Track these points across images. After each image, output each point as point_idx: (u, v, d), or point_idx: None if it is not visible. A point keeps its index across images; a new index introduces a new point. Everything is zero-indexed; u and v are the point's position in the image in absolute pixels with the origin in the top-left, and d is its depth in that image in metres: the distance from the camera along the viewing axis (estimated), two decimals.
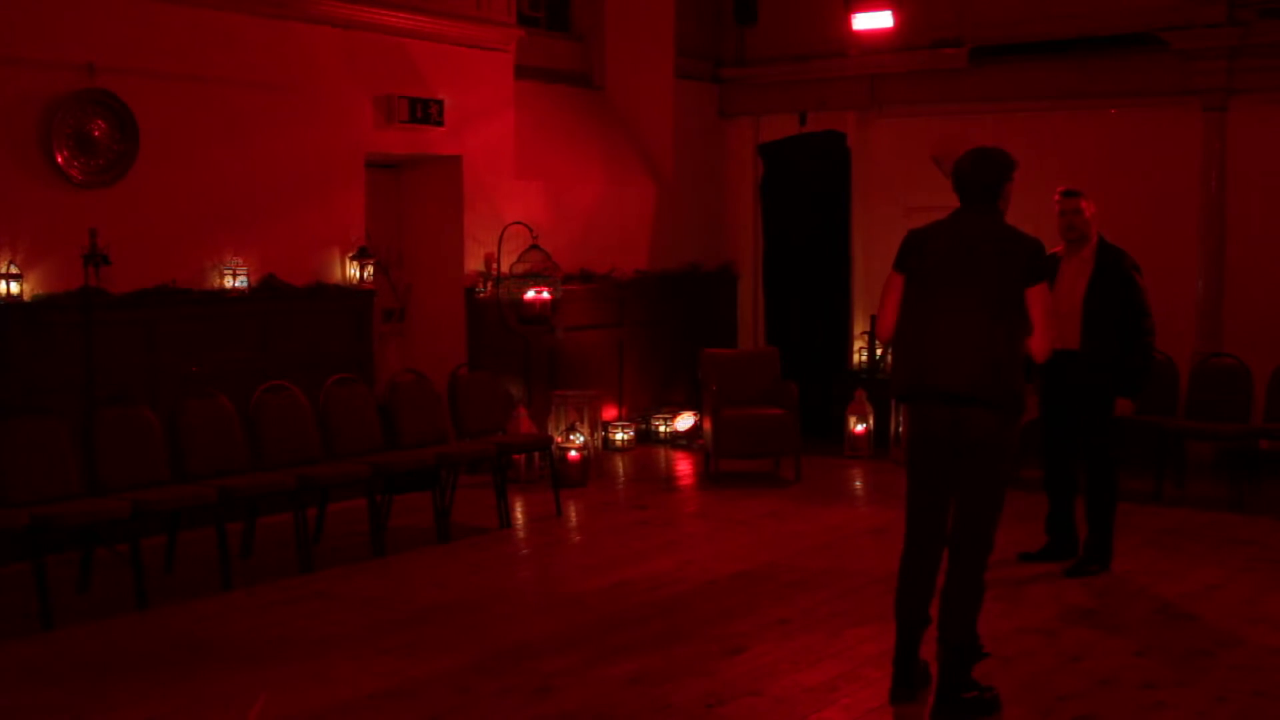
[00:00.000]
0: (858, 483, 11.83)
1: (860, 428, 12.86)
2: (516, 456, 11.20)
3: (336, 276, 10.80)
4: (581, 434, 11.64)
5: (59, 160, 9.02)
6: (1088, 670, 6.65)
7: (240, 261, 10.05)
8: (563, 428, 11.73)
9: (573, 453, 11.42)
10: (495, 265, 11.89)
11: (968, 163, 6.30)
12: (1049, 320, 6.04)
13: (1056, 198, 8.51)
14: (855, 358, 13.95)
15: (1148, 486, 10.70)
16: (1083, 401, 8.38)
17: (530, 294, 11.86)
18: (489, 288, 11.87)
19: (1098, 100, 12.52)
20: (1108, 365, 8.30)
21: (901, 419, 6.54)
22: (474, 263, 11.87)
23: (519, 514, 10.39)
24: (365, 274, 10.92)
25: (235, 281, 10.01)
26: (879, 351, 13.54)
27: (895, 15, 13.01)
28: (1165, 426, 10.92)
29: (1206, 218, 12.09)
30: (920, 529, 6.16)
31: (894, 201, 13.79)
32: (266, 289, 10.23)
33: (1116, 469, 8.53)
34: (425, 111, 11.21)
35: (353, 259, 10.86)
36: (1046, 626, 7.33)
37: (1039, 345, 6.06)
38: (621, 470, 12.24)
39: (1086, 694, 6.31)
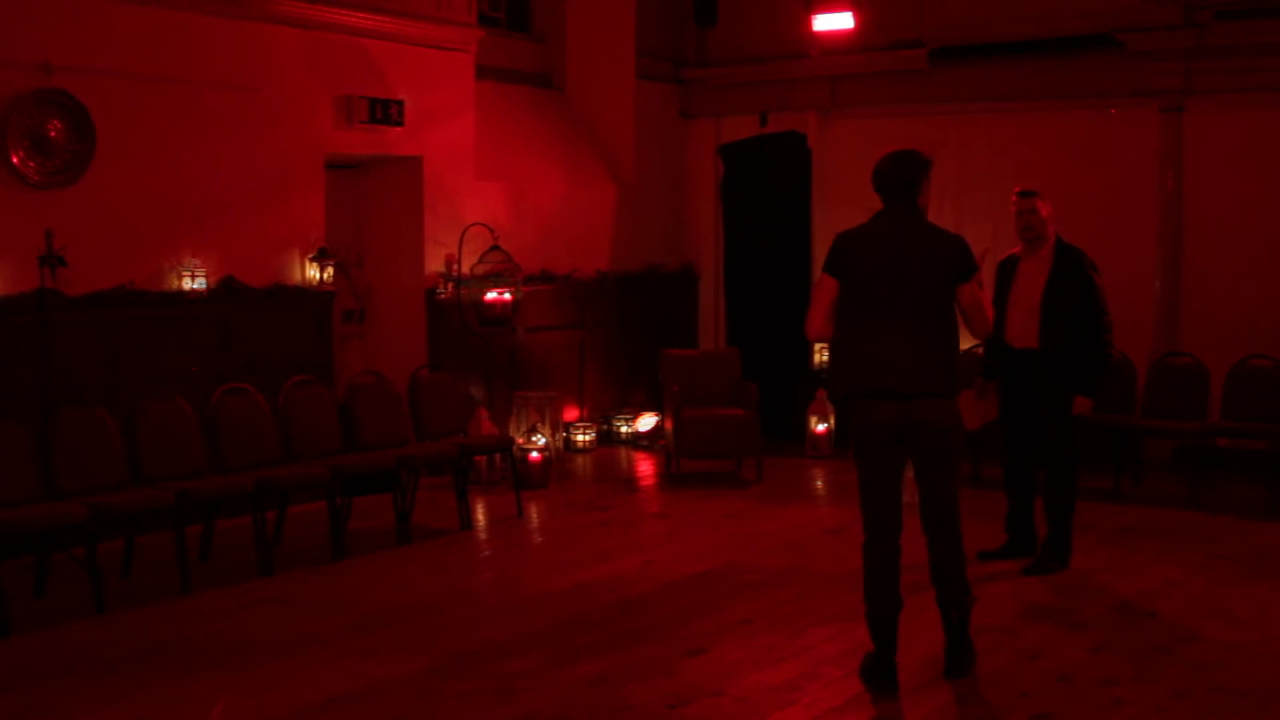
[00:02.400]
0: (819, 482, 11.86)
1: (821, 428, 12.89)
2: (478, 458, 11.17)
3: (296, 278, 10.75)
4: (543, 435, 11.63)
5: (14, 161, 8.93)
6: (1047, 667, 6.68)
7: (199, 263, 9.98)
8: (524, 429, 11.71)
9: (534, 454, 11.40)
10: (456, 266, 11.86)
11: (888, 164, 6.55)
12: (979, 311, 6.38)
13: (1013, 198, 8.56)
14: (816, 358, 13.96)
15: (1106, 484, 10.77)
16: (1042, 400, 8.42)
17: (491, 295, 11.83)
18: (450, 289, 11.84)
19: (1056, 101, 12.58)
20: (1066, 364, 8.34)
21: (847, 417, 6.58)
22: (434, 264, 11.84)
23: (480, 516, 10.37)
24: (325, 275, 10.87)
25: (194, 283, 9.94)
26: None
27: (855, 16, 13.05)
28: (1123, 425, 11.00)
29: (1164, 218, 12.16)
30: (882, 520, 6.35)
31: (854, 202, 13.66)
32: (225, 290, 10.17)
33: (1075, 467, 8.58)
34: (385, 112, 11.17)
35: (312, 260, 10.81)
36: (1006, 624, 7.36)
37: (978, 331, 6.50)
38: (583, 471, 12.23)
39: (1046, 691, 6.34)
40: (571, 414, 13.19)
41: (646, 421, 13.52)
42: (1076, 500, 8.60)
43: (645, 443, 13.40)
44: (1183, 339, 11.96)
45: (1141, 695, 6.29)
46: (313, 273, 10.82)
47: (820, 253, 13.92)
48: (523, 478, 10.86)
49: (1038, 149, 12.37)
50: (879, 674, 6.37)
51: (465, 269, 11.85)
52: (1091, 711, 6.10)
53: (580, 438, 13.09)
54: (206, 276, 10.01)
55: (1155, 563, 8.79)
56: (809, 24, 13.31)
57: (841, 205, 13.92)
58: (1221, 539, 9.46)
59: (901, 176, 6.45)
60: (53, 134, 9.14)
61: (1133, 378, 11.35)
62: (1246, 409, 10.90)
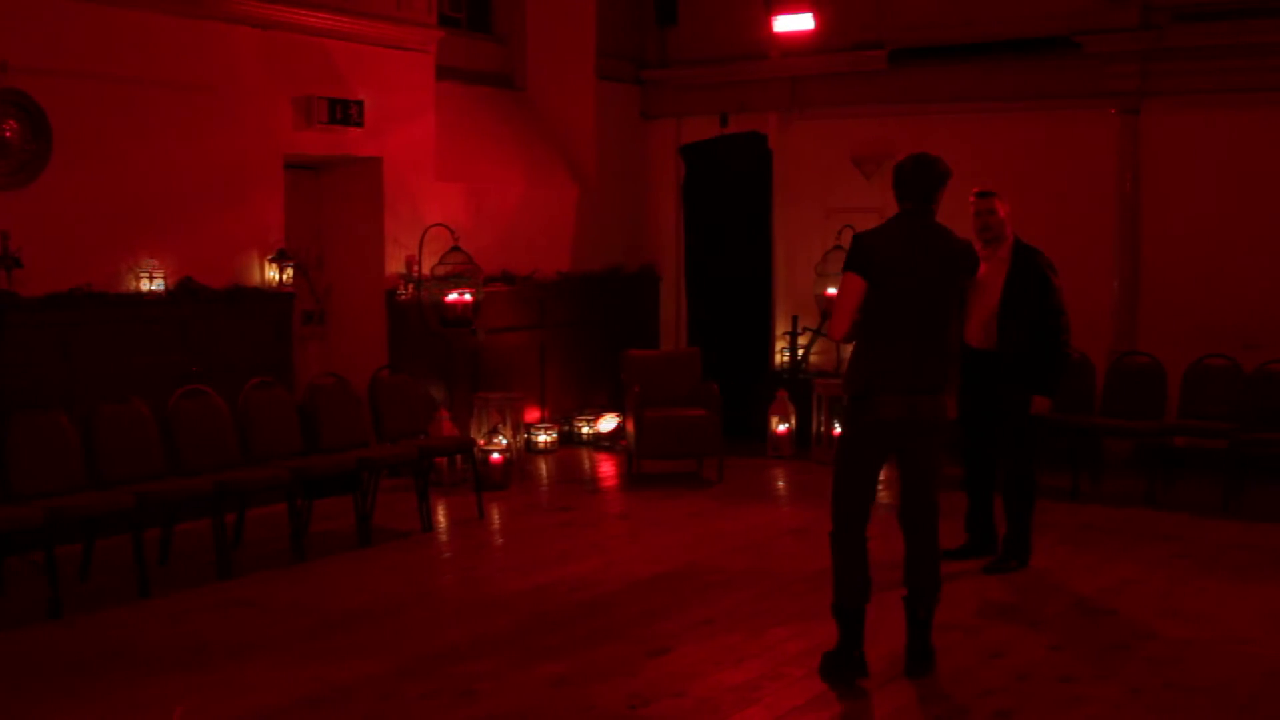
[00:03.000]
0: (780, 483, 11.88)
1: (782, 428, 12.91)
2: (438, 459, 11.14)
3: (255, 279, 10.69)
4: (504, 436, 11.62)
5: None
6: (1007, 665, 6.72)
7: (157, 264, 9.91)
8: (485, 430, 11.69)
9: (495, 455, 11.38)
10: (416, 267, 11.83)
11: (912, 168, 6.60)
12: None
13: (971, 198, 8.59)
14: (777, 358, 14.01)
15: (1065, 483, 10.84)
16: (1000, 400, 8.46)
17: (452, 296, 11.80)
18: (410, 290, 11.80)
19: (1015, 102, 12.65)
20: (1024, 364, 8.38)
21: (843, 412, 6.66)
22: (395, 265, 11.80)
23: (441, 517, 10.34)
24: (284, 276, 10.82)
25: (152, 284, 9.87)
26: (801, 352, 13.60)
27: (816, 18, 13.08)
28: (1082, 424, 11.07)
29: (1122, 218, 12.25)
30: (855, 511, 6.49)
31: (815, 202, 13.87)
32: (184, 292, 10.10)
33: (1034, 467, 8.64)
34: (345, 112, 11.12)
35: (272, 261, 10.76)
36: (967, 623, 7.40)
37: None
38: (544, 472, 12.22)
39: (1006, 689, 6.38)
40: (533, 415, 13.18)
41: (608, 422, 13.52)
42: (1036, 499, 8.66)
43: (607, 443, 13.39)
44: (1140, 339, 12.05)
45: (1100, 693, 6.34)
46: (272, 274, 10.76)
47: (782, 252, 14.11)
48: (484, 479, 10.84)
49: (996, 150, 12.43)
50: (846, 666, 6.43)
51: (426, 270, 11.82)
52: (1050, 709, 6.14)
53: (541, 439, 13.08)
54: (165, 278, 9.95)
55: (1114, 561, 8.86)
56: (769, 25, 13.33)
57: (802, 205, 14.00)
58: (1179, 537, 9.54)
59: (925, 182, 6.55)
60: (8, 134, 9.05)
61: (1091, 377, 11.43)
62: (1203, 408, 10.99)
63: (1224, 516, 10.16)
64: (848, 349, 7.09)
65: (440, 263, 11.80)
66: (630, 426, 11.78)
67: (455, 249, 11.80)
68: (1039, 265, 8.49)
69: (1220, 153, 11.81)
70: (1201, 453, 11.17)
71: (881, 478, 6.80)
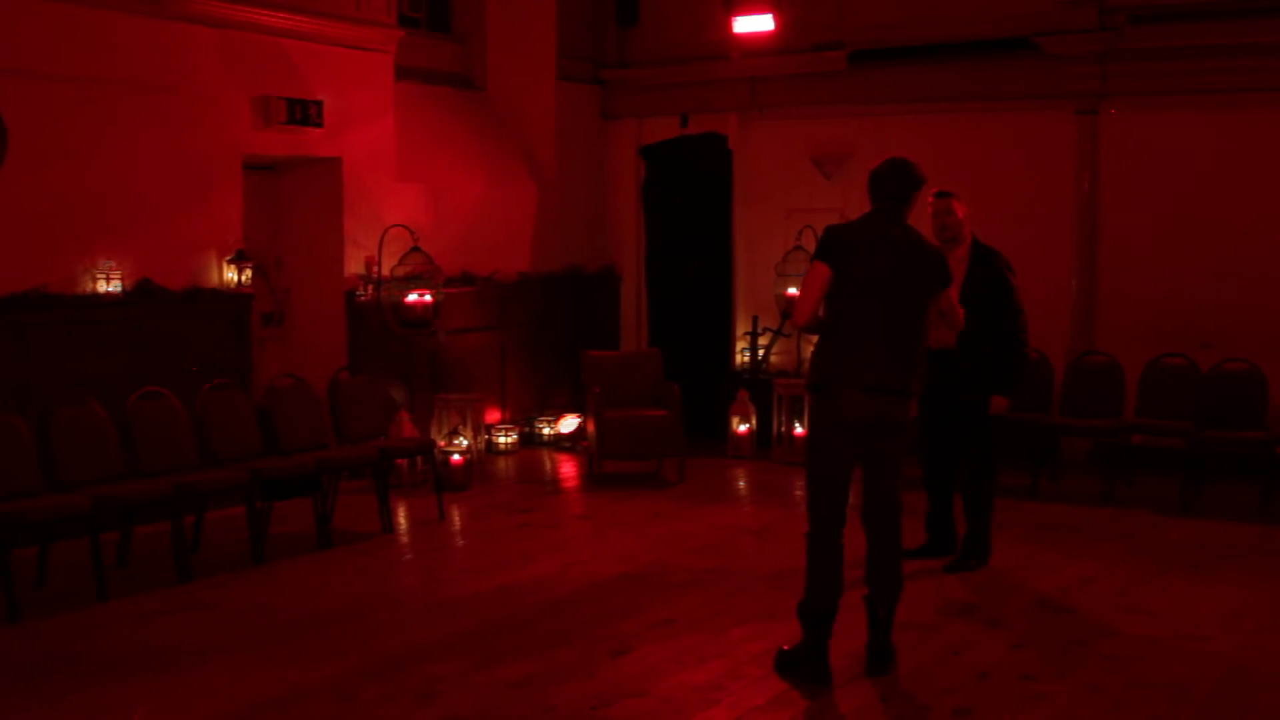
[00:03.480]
0: (741, 483, 11.89)
1: (743, 428, 12.93)
2: (399, 461, 11.10)
3: (214, 280, 10.63)
4: (464, 437, 11.59)
5: None
6: (967, 664, 6.75)
7: (114, 265, 9.84)
8: (445, 431, 11.66)
9: (456, 456, 11.35)
10: (376, 268, 11.78)
11: (888, 171, 6.64)
12: (954, 312, 6.94)
13: (930, 199, 8.60)
14: (738, 358, 14.03)
15: (1024, 482, 10.89)
16: (959, 400, 8.49)
17: (412, 297, 11.77)
18: (370, 291, 11.76)
19: (974, 103, 12.71)
20: (983, 364, 8.41)
21: (809, 411, 6.67)
22: (354, 266, 11.75)
23: (401, 519, 10.30)
24: (243, 277, 10.76)
25: (109, 285, 9.80)
26: (761, 352, 13.62)
27: (776, 18, 13.11)
28: (1041, 423, 11.13)
29: (1080, 218, 12.31)
30: (832, 512, 6.50)
31: (775, 203, 13.90)
32: (141, 293, 10.03)
33: (993, 466, 8.68)
34: (304, 113, 11.07)
35: (230, 262, 10.69)
36: (927, 621, 7.42)
37: (955, 326, 7.10)
38: (505, 473, 12.19)
39: (966, 687, 6.40)
40: (493, 416, 13.14)
41: (569, 423, 13.50)
42: (995, 498, 8.70)
43: (568, 444, 13.37)
44: (1098, 338, 12.12)
45: (1059, 690, 6.37)
46: (231, 275, 10.70)
47: (742, 253, 14.14)
48: (444, 480, 10.80)
49: (956, 150, 12.47)
50: (813, 666, 6.45)
51: (385, 271, 11.78)
52: (1010, 707, 6.16)
53: (502, 440, 13.05)
54: (122, 279, 9.88)
55: (1073, 559, 8.91)
56: (730, 26, 13.36)
57: (762, 206, 14.03)
58: (1137, 535, 9.60)
59: (899, 184, 6.61)
60: None
61: (1050, 377, 11.50)
62: (1161, 406, 11.08)
63: (1181, 514, 10.22)
64: (809, 349, 7.12)
65: (400, 263, 11.76)
66: (591, 427, 11.77)
67: (415, 250, 11.77)
68: (997, 266, 8.53)
69: (1177, 153, 11.89)
70: (1159, 451, 11.25)
71: None
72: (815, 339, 6.69)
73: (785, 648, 6.65)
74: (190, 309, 10.38)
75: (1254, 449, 10.57)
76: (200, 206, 10.52)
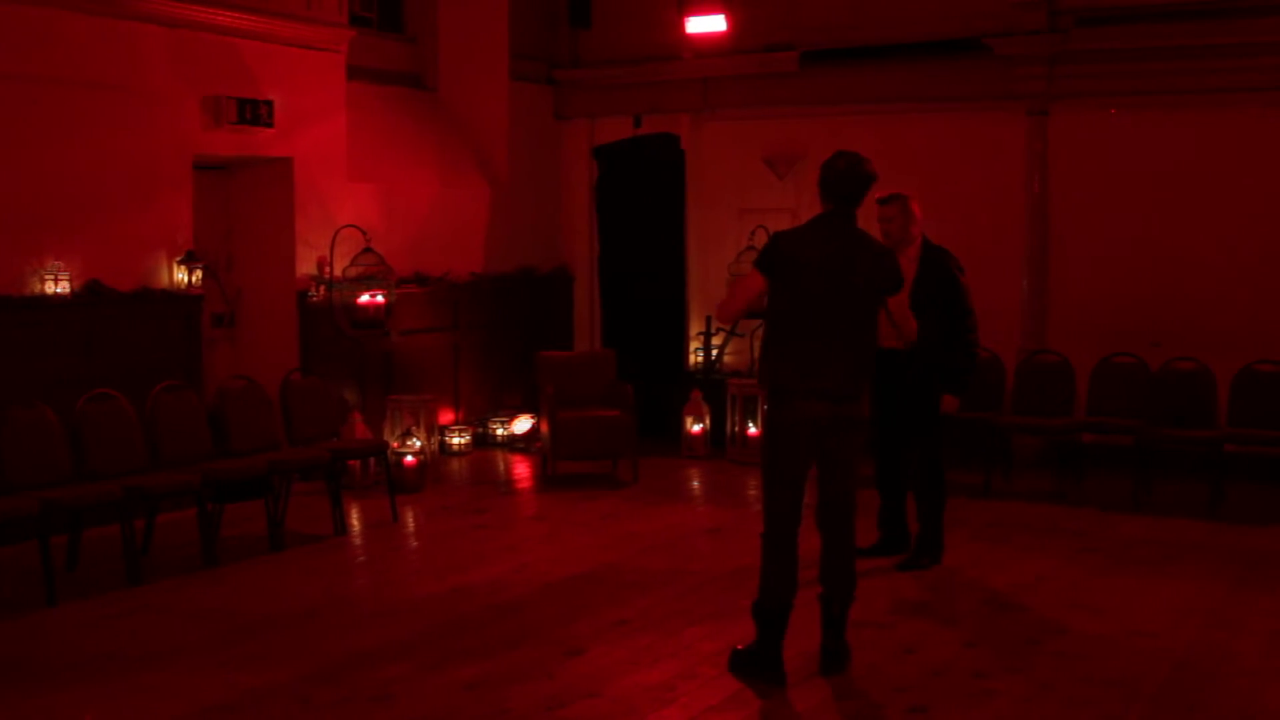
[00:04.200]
0: (695, 483, 11.91)
1: (697, 428, 12.95)
2: (351, 462, 11.06)
3: (164, 281, 10.55)
4: (418, 438, 11.55)
5: None
6: (921, 661, 6.78)
7: (62, 266, 9.74)
8: (398, 432, 11.62)
9: (409, 457, 11.31)
10: (328, 269, 11.73)
11: (842, 169, 6.62)
12: (907, 318, 6.96)
13: (877, 203, 8.55)
14: (691, 359, 14.04)
15: (976, 480, 10.95)
16: (910, 400, 8.53)
17: (364, 298, 11.72)
18: (321, 292, 11.70)
19: (925, 104, 12.77)
20: (933, 363, 8.46)
21: (764, 412, 6.69)
22: (306, 266, 11.69)
23: (355, 520, 10.26)
24: (194, 278, 10.68)
25: (57, 287, 9.70)
26: (714, 352, 13.64)
27: (728, 19, 13.12)
28: (993, 422, 11.20)
29: (1030, 219, 12.39)
30: (788, 511, 6.50)
31: (728, 203, 13.92)
32: (90, 294, 9.94)
33: (944, 464, 8.72)
34: (255, 112, 11.00)
35: (180, 263, 10.61)
36: (880, 620, 7.46)
37: (907, 335, 7.07)
38: (458, 474, 12.16)
39: (920, 685, 6.43)
40: (447, 417, 13.10)
41: (522, 424, 13.48)
42: (947, 497, 8.74)
43: (521, 445, 13.35)
44: (1050, 337, 12.21)
45: (1011, 687, 6.41)
46: (181, 276, 10.62)
47: (695, 253, 14.15)
48: (397, 482, 10.76)
49: (907, 151, 12.52)
50: (768, 665, 6.47)
51: (337, 271, 11.72)
52: (964, 703, 6.20)
53: (456, 441, 13.01)
54: (70, 280, 9.78)
55: (1025, 557, 8.97)
56: (682, 26, 13.36)
57: (715, 206, 14.05)
58: (1088, 532, 9.68)
59: (853, 184, 6.59)
60: None
61: (1001, 376, 11.58)
62: (1111, 405, 11.18)
63: (1132, 511, 10.32)
64: (759, 348, 7.13)
65: (352, 264, 11.71)
66: (545, 428, 11.75)
67: (367, 250, 11.72)
68: (948, 266, 8.57)
69: (1126, 154, 11.99)
70: (1109, 449, 11.34)
71: None
72: (762, 337, 6.71)
73: (739, 647, 6.67)
74: (140, 310, 10.29)
75: (1203, 447, 10.68)
76: (150, 207, 10.44)
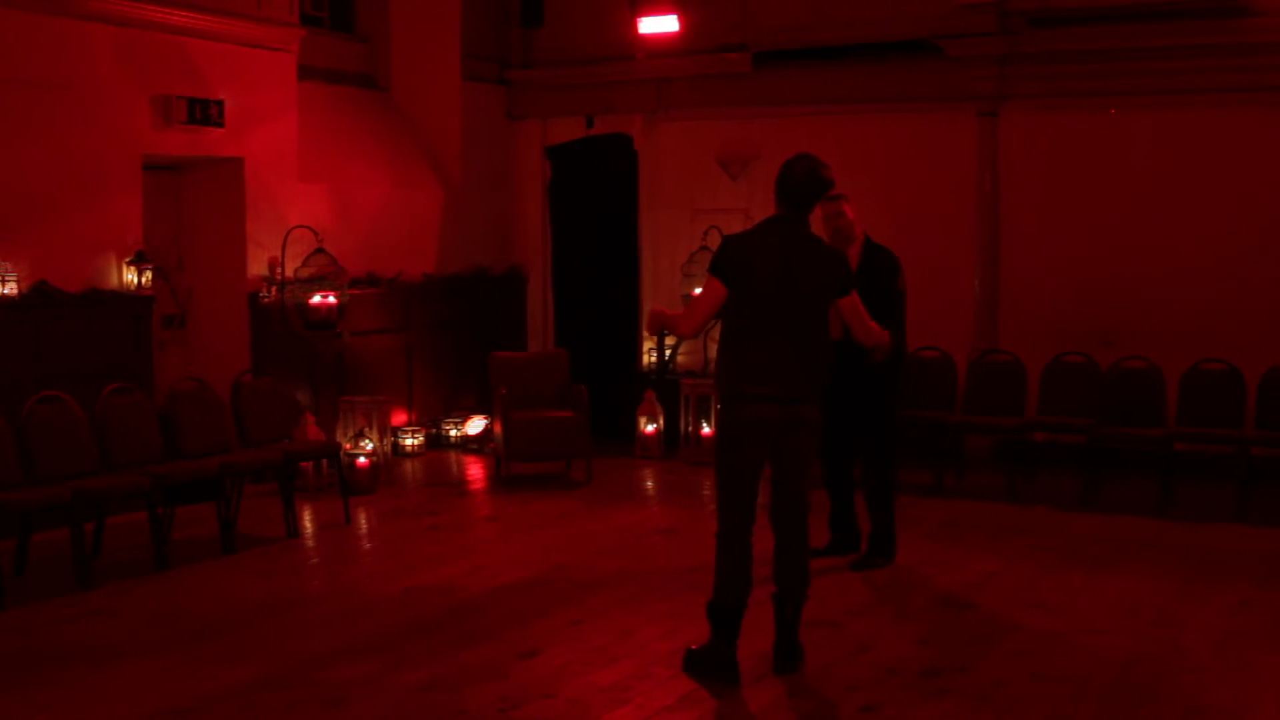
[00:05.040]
0: (649, 483, 11.91)
1: (650, 428, 12.95)
2: (304, 464, 11.00)
3: (113, 282, 10.46)
4: (370, 440, 11.50)
5: None
6: (874, 660, 6.80)
7: (9, 266, 9.64)
8: (351, 434, 11.57)
9: (361, 459, 11.27)
10: (279, 269, 11.66)
11: (798, 174, 6.63)
12: (862, 320, 6.78)
13: (820, 202, 8.57)
14: (645, 359, 14.04)
15: (928, 480, 11.01)
16: (858, 398, 8.54)
17: (316, 298, 11.65)
18: (273, 292, 11.63)
19: (878, 104, 12.81)
20: (881, 364, 8.49)
21: (725, 413, 6.69)
22: (257, 267, 11.62)
23: (307, 523, 10.21)
24: (144, 279, 10.60)
25: (4, 288, 9.60)
26: (668, 353, 13.64)
27: (681, 20, 13.13)
28: (944, 421, 11.26)
29: (982, 219, 12.46)
30: (743, 511, 6.53)
31: (681, 204, 13.93)
32: (38, 295, 9.84)
33: (895, 463, 8.76)
34: (205, 112, 10.93)
35: (130, 264, 10.53)
36: (834, 619, 7.48)
37: (868, 340, 6.88)
38: (412, 476, 12.12)
39: (874, 683, 6.46)
40: (400, 418, 13.06)
41: (476, 425, 13.45)
42: (898, 495, 8.78)
43: (475, 446, 13.32)
44: (1001, 337, 12.28)
45: (964, 685, 6.44)
46: (131, 277, 10.54)
47: (648, 253, 14.15)
48: (350, 483, 10.71)
49: (859, 151, 12.57)
50: (722, 664, 6.50)
51: (289, 272, 11.65)
52: (917, 702, 6.23)
53: (409, 442, 12.97)
54: (18, 281, 9.68)
55: (977, 555, 9.02)
56: (635, 27, 13.36)
57: (668, 207, 14.05)
58: (1039, 530, 9.74)
59: (808, 189, 6.62)
60: None
61: (953, 375, 11.64)
62: (1061, 404, 11.26)
63: (1082, 509, 10.40)
64: (714, 348, 7.14)
65: (304, 265, 11.65)
66: (498, 429, 11.73)
67: (319, 251, 11.65)
68: (890, 267, 8.60)
69: (1076, 155, 12.08)
70: (1060, 448, 11.42)
71: None
72: (719, 342, 6.72)
73: (693, 647, 6.67)
74: (89, 311, 10.21)
75: (1152, 445, 10.77)
76: (99, 207, 10.35)
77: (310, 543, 9.72)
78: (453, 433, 13.48)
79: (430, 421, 13.50)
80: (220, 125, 11.08)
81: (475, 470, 12.41)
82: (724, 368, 6.55)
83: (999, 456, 11.92)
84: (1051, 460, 11.50)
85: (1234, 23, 11.22)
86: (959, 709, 6.14)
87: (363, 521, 10.27)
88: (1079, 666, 6.72)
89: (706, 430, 12.47)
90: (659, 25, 13.22)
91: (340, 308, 11.80)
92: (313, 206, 12.09)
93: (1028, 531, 9.70)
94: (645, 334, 12.77)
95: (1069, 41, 11.90)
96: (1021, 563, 8.82)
